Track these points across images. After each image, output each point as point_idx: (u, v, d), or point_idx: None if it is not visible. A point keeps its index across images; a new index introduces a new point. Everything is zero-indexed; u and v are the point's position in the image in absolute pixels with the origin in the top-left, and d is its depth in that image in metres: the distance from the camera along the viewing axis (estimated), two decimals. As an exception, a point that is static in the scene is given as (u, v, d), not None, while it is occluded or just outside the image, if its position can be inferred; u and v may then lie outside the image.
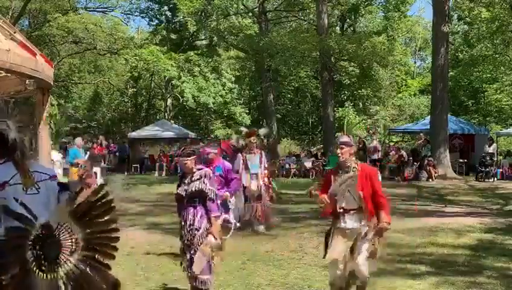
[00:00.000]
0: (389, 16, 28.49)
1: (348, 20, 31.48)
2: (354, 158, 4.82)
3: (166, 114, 33.87)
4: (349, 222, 4.70)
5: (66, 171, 14.15)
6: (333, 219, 4.86)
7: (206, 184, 4.93)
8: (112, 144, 25.57)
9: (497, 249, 7.61)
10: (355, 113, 30.25)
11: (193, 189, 4.94)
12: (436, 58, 20.27)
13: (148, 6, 34.69)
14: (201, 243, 4.90)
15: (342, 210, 4.72)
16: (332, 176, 4.87)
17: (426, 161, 19.01)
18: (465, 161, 21.15)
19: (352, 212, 4.71)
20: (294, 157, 22.87)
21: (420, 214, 10.93)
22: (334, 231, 4.79)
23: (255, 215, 8.98)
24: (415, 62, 43.58)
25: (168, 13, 34.40)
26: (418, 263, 6.80)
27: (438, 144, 19.54)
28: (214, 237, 4.93)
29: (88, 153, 14.19)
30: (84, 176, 10.40)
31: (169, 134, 26.13)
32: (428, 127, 20.76)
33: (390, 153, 20.89)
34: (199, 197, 4.95)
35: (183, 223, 5.04)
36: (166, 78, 31.34)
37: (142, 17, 35.66)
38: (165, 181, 18.11)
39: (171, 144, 26.24)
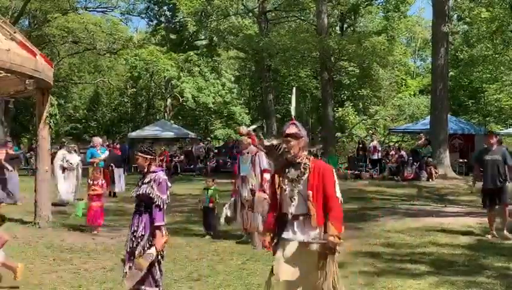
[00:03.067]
0: (389, 16, 28.48)
1: (348, 20, 31.45)
2: (305, 153, 3.97)
3: (166, 114, 33.91)
4: (297, 232, 3.87)
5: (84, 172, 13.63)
6: (279, 226, 3.98)
7: (153, 189, 4.57)
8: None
9: (497, 249, 7.60)
10: (355, 113, 30.24)
11: (141, 192, 4.63)
12: (436, 58, 20.25)
13: (147, 7, 34.80)
14: (142, 253, 4.54)
15: (290, 216, 3.90)
16: (278, 177, 4.03)
17: (426, 161, 19.00)
18: (465, 161, 21.11)
19: (301, 218, 3.87)
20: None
21: (420, 214, 10.93)
22: (280, 243, 3.95)
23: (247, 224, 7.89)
24: (415, 62, 43.67)
25: (168, 13, 34.46)
26: (418, 263, 6.78)
27: (438, 144, 19.52)
28: (157, 249, 4.55)
29: (107, 152, 13.64)
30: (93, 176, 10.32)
31: (169, 134, 26.11)
32: (428, 127, 20.74)
33: (390, 153, 20.89)
34: (146, 203, 4.61)
35: (129, 229, 4.74)
36: (166, 78, 31.36)
37: (142, 17, 35.77)
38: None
39: (171, 144, 26.24)
